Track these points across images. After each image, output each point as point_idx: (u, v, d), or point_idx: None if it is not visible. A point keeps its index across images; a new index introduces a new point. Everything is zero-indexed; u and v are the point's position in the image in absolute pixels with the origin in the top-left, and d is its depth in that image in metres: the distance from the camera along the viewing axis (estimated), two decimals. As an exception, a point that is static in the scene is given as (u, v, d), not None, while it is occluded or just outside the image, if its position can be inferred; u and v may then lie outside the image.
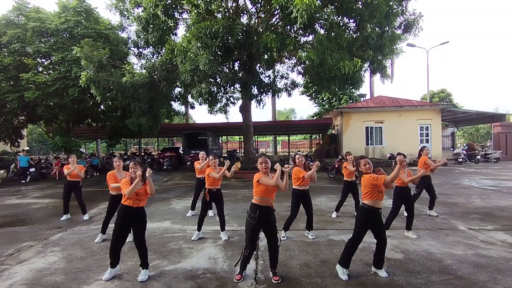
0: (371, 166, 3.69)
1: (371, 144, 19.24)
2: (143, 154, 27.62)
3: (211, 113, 16.67)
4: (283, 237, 5.08)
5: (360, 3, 10.59)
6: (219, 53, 11.00)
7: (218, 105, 16.57)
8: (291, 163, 5.19)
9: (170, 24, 12.93)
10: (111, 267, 3.77)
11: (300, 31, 11.10)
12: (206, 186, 5.23)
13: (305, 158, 5.30)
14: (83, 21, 15.49)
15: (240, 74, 13.33)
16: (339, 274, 3.64)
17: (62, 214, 6.89)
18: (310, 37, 11.74)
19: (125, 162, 5.67)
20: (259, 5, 12.13)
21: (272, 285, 3.51)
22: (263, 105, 15.27)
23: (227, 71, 12.81)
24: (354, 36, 11.84)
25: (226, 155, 24.42)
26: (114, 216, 4.86)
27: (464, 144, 24.80)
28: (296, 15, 8.69)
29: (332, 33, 10.34)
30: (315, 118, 32.30)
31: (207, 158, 5.47)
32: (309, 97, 32.35)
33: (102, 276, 3.76)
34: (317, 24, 10.15)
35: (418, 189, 6.55)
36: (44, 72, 15.35)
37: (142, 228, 3.80)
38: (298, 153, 5.28)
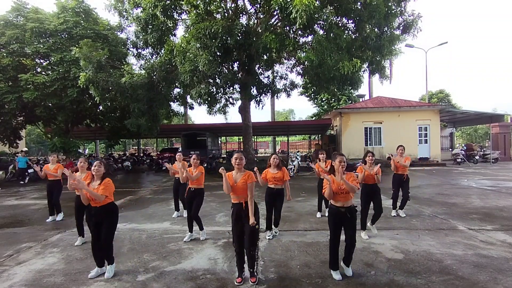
0: (344, 166, 3.62)
1: (370, 145, 19.25)
2: (142, 154, 27.59)
3: (210, 114, 16.64)
4: (268, 236, 5.09)
5: (359, 3, 10.60)
6: (218, 53, 10.99)
7: (217, 105, 16.55)
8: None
9: (169, 24, 12.91)
10: (99, 266, 3.85)
11: (299, 32, 11.11)
12: (189, 185, 5.25)
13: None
14: (82, 21, 15.45)
15: (239, 75, 13.33)
16: (333, 276, 3.66)
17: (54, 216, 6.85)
18: (309, 38, 11.75)
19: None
20: (258, 6, 12.13)
21: (273, 286, 3.51)
22: (262, 106, 15.29)
23: (227, 72, 12.80)
24: (353, 36, 11.85)
25: (225, 155, 24.40)
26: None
27: (463, 145, 24.85)
28: (295, 15, 8.70)
29: (331, 34, 10.34)
30: (314, 118, 32.30)
31: (192, 158, 5.42)
32: (308, 98, 32.37)
33: (101, 277, 3.77)
34: (316, 25, 10.16)
35: (394, 188, 6.56)
36: (43, 72, 15.30)
37: (107, 228, 3.76)
38: (274, 154, 5.31)
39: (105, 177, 3.85)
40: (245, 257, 3.63)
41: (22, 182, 14.01)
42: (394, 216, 6.38)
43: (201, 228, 5.21)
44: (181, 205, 6.76)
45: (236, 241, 3.61)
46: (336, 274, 3.64)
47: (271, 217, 5.16)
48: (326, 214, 6.31)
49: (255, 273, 3.60)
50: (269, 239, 5.03)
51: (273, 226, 5.22)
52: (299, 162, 17.05)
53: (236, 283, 3.54)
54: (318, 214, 6.58)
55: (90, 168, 4.98)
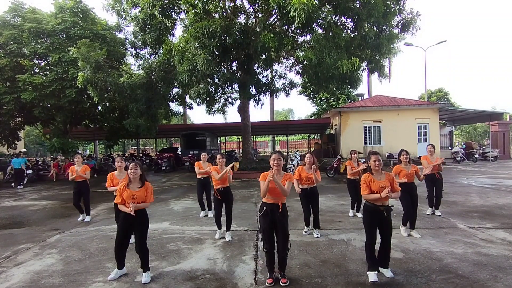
0: (381, 164, 3.60)
1: (369, 144, 19.25)
2: (141, 155, 27.56)
3: (209, 114, 16.64)
4: (305, 232, 5.24)
5: (357, 2, 10.60)
6: (217, 53, 10.97)
7: (216, 105, 16.54)
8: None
9: (167, 24, 12.88)
10: (118, 268, 3.79)
11: (298, 31, 11.09)
12: (214, 186, 5.23)
13: (304, 158, 5.32)
14: (79, 21, 15.41)
15: (238, 74, 13.30)
16: (369, 278, 3.54)
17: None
18: (308, 37, 11.75)
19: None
20: (256, 5, 12.09)
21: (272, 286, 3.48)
22: (261, 105, 15.25)
23: (225, 71, 12.78)
24: (352, 35, 11.84)
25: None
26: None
27: (462, 143, 24.88)
28: (294, 14, 8.68)
29: (330, 33, 10.33)
30: (313, 118, 32.31)
31: (218, 159, 5.44)
32: (307, 97, 32.38)
33: (100, 278, 3.74)
34: (314, 24, 10.13)
35: (428, 189, 6.53)
36: (41, 73, 15.26)
37: (142, 231, 3.76)
38: (309, 152, 5.34)
39: (143, 179, 3.78)
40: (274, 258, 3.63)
41: (21, 186, 13.72)
42: (429, 214, 6.45)
43: (229, 229, 5.21)
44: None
45: (268, 241, 3.54)
46: (374, 276, 3.51)
47: (307, 217, 5.21)
48: (359, 215, 6.37)
49: (285, 275, 3.57)
50: (312, 234, 5.15)
51: (314, 230, 5.25)
52: (299, 162, 17.02)
53: (267, 284, 3.46)
54: (358, 214, 6.45)
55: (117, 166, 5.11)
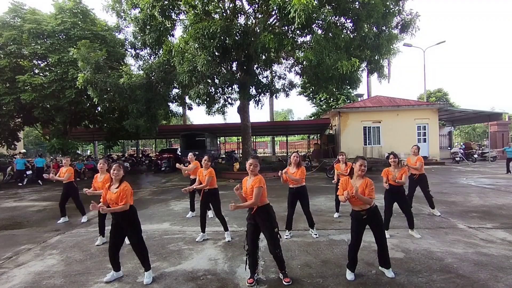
0: (365, 170, 3.59)
1: (369, 144, 19.29)
2: (141, 155, 27.55)
3: (209, 114, 16.60)
4: (286, 236, 5.11)
5: (357, 3, 10.62)
6: (216, 53, 10.97)
7: (216, 106, 16.52)
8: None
9: (167, 25, 12.88)
10: (114, 270, 3.76)
11: (298, 31, 11.10)
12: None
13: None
14: (79, 22, 15.41)
15: (238, 75, 13.31)
16: (346, 275, 3.64)
17: (59, 217, 6.85)
18: (308, 38, 11.75)
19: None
20: (256, 6, 12.12)
21: (273, 286, 3.50)
22: (261, 106, 15.25)
23: (225, 72, 12.78)
24: (352, 36, 11.85)
25: (224, 156, 24.38)
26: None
27: (462, 143, 24.93)
28: (294, 15, 8.70)
29: (330, 33, 10.34)
30: (313, 118, 32.33)
31: (203, 159, 5.41)
32: (307, 98, 32.38)
33: (101, 278, 3.74)
34: (314, 24, 10.15)
35: (409, 188, 6.56)
36: (41, 74, 15.26)
37: (133, 230, 3.72)
38: (295, 152, 5.35)
39: (123, 180, 3.74)
40: (258, 259, 3.69)
41: (20, 184, 13.98)
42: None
43: (226, 229, 5.20)
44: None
45: (250, 244, 3.57)
46: (350, 274, 3.63)
47: (289, 218, 5.22)
48: (336, 216, 6.48)
49: (287, 273, 3.60)
50: (286, 238, 5.08)
51: (310, 229, 5.29)
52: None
53: (247, 284, 3.51)
54: (336, 215, 6.59)
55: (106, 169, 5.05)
